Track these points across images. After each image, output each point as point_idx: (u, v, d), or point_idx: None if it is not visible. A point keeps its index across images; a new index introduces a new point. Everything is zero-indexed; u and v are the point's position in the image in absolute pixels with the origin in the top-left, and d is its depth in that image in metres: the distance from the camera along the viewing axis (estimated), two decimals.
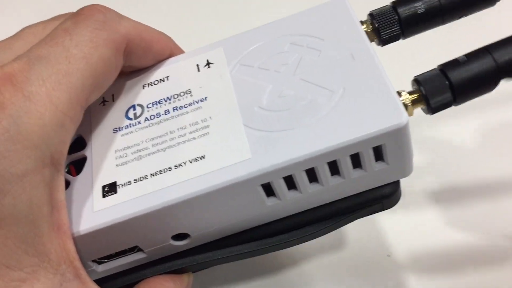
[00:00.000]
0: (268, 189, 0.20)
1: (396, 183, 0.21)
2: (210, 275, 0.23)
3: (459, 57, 0.21)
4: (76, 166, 0.21)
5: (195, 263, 0.21)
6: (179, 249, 0.21)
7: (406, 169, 0.20)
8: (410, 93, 0.20)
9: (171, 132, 0.21)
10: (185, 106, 0.21)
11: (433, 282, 0.26)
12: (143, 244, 0.21)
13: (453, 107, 0.21)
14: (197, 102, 0.21)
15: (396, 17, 0.22)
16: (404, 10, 0.22)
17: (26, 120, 0.17)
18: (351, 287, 0.26)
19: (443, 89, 0.20)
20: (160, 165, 0.20)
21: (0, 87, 0.17)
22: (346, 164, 0.19)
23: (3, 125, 0.17)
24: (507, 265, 0.26)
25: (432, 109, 0.20)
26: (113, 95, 0.23)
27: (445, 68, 0.20)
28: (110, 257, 0.21)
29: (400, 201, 0.22)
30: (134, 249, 0.21)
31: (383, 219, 0.28)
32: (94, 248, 0.20)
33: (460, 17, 0.22)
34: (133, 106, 0.22)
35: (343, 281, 0.27)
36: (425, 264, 0.27)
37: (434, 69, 0.21)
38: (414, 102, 0.20)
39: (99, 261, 0.21)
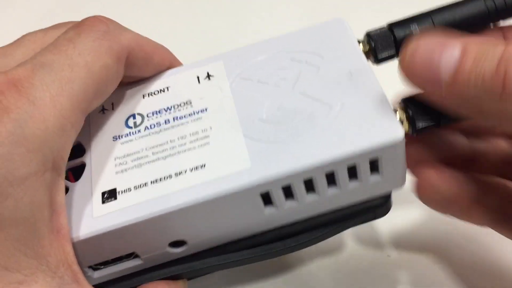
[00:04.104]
0: (266, 198, 0.20)
1: (388, 194, 0.22)
2: (209, 277, 0.23)
3: None
4: (74, 172, 0.21)
5: (191, 269, 0.22)
6: (175, 256, 0.22)
7: (399, 181, 0.21)
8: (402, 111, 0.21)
9: (171, 141, 0.21)
10: (185, 116, 0.22)
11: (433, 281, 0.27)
12: (140, 251, 0.21)
13: None
14: (198, 113, 0.22)
15: (392, 38, 0.22)
16: (400, 32, 0.22)
17: (30, 124, 0.17)
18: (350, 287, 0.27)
19: (429, 111, 0.21)
20: (160, 173, 0.20)
21: (5, 91, 0.17)
22: (343, 176, 0.20)
23: (7, 128, 0.17)
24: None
25: (416, 130, 0.21)
26: (112, 104, 0.23)
27: None
28: (106, 263, 0.21)
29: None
30: (131, 256, 0.21)
31: (383, 219, 0.28)
32: (92, 253, 0.20)
33: None
34: (133, 115, 0.22)
35: (343, 282, 0.27)
36: (424, 263, 0.27)
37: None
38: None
39: (94, 268, 0.21)
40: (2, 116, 0.17)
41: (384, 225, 0.29)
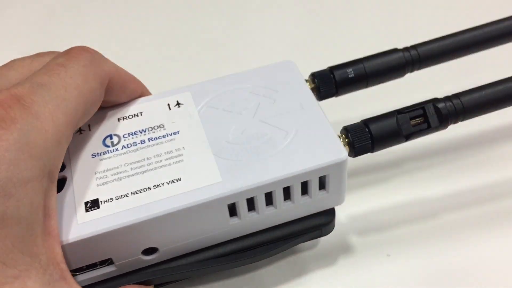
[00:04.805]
0: (232, 210, 0.23)
1: (333, 215, 0.26)
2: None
3: (378, 115, 0.26)
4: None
5: (154, 277, 0.24)
6: (145, 264, 0.24)
7: (341, 198, 0.25)
8: (344, 137, 0.26)
9: (148, 159, 0.24)
10: (160, 137, 0.25)
11: (432, 281, 0.28)
12: (116, 257, 0.23)
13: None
14: (170, 135, 0.25)
15: (332, 78, 0.27)
16: (338, 74, 0.27)
17: (33, 134, 0.19)
18: (350, 286, 0.28)
19: (365, 138, 0.26)
20: (139, 185, 0.23)
21: (12, 105, 0.19)
22: (297, 190, 0.24)
23: (14, 136, 0.19)
24: None
25: (355, 153, 0.26)
26: (89, 126, 0.25)
27: (367, 122, 0.26)
28: (80, 270, 0.23)
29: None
30: (105, 263, 0.23)
31: (384, 219, 0.30)
32: (76, 258, 0.22)
33: (379, 83, 0.28)
34: (110, 136, 0.25)
35: (343, 281, 0.28)
36: (424, 263, 0.28)
37: (359, 122, 0.26)
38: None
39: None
40: (10, 125, 0.19)
41: (384, 225, 0.30)
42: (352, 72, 0.27)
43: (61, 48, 0.24)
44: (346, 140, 0.25)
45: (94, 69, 0.23)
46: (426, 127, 0.26)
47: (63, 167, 0.24)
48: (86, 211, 0.22)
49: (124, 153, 0.24)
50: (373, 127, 0.26)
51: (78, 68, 0.22)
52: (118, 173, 0.23)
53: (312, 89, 0.27)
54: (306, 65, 0.29)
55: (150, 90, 0.28)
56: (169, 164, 0.24)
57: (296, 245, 0.26)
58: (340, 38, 0.43)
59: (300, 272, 0.28)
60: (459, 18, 0.42)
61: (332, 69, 0.28)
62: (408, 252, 0.29)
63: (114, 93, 0.25)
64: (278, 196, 0.24)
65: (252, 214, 0.24)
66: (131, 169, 0.23)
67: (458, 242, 0.29)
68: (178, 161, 0.24)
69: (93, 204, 0.22)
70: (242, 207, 0.23)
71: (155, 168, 0.23)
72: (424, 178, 0.32)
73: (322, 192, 0.24)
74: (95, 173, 0.23)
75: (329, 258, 0.29)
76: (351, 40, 0.42)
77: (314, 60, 0.36)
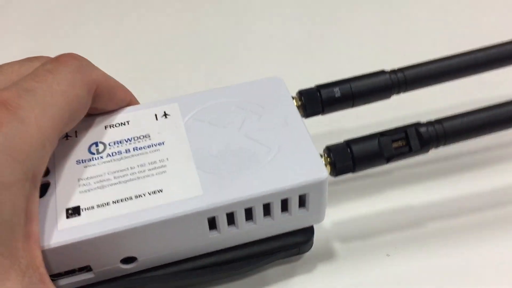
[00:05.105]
0: (211, 223, 0.24)
1: (311, 233, 0.26)
2: None
3: (361, 136, 0.27)
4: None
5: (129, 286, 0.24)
6: (124, 272, 0.24)
7: (320, 216, 0.26)
8: (326, 156, 0.26)
9: (131, 168, 0.24)
10: (145, 147, 0.25)
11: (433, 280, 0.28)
12: (95, 264, 0.23)
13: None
14: (155, 145, 0.25)
15: (319, 97, 0.28)
16: (325, 93, 0.28)
17: (18, 139, 0.20)
18: (350, 286, 0.28)
19: (346, 158, 0.26)
20: (121, 194, 0.23)
21: None
22: (277, 207, 0.24)
23: None
24: None
25: (336, 172, 0.26)
26: (76, 132, 0.26)
27: (350, 142, 0.26)
28: (59, 275, 0.23)
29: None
30: (84, 269, 0.23)
31: (384, 219, 0.30)
32: (54, 263, 0.22)
33: (365, 104, 0.28)
34: (96, 143, 0.25)
35: (343, 282, 0.28)
36: (424, 262, 0.28)
37: (341, 142, 0.27)
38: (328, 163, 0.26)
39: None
40: None
41: (384, 224, 0.30)
42: (339, 91, 0.28)
43: (59, 51, 0.25)
44: (328, 159, 0.26)
45: (81, 76, 0.23)
46: (407, 151, 0.26)
47: (47, 172, 0.24)
48: (67, 217, 0.22)
49: (108, 161, 0.24)
50: (355, 148, 0.26)
51: (65, 75, 0.23)
52: (101, 181, 0.24)
53: (299, 107, 0.28)
54: (300, 80, 0.29)
55: (145, 96, 0.28)
56: (152, 174, 0.24)
57: (274, 261, 0.26)
58: (337, 52, 0.44)
59: (282, 278, 0.28)
60: (449, 43, 0.43)
61: (319, 87, 0.28)
62: (394, 259, 0.29)
63: (102, 100, 0.25)
64: (258, 212, 0.24)
65: (232, 228, 0.24)
66: (114, 177, 0.24)
67: (444, 250, 0.29)
68: (161, 172, 0.24)
69: (74, 211, 0.23)
70: (222, 221, 0.24)
71: (138, 178, 0.24)
72: (413, 185, 0.32)
73: (302, 210, 0.25)
74: (79, 180, 0.24)
75: (310, 264, 0.29)
76: (348, 57, 0.43)
77: (308, 75, 0.36)
